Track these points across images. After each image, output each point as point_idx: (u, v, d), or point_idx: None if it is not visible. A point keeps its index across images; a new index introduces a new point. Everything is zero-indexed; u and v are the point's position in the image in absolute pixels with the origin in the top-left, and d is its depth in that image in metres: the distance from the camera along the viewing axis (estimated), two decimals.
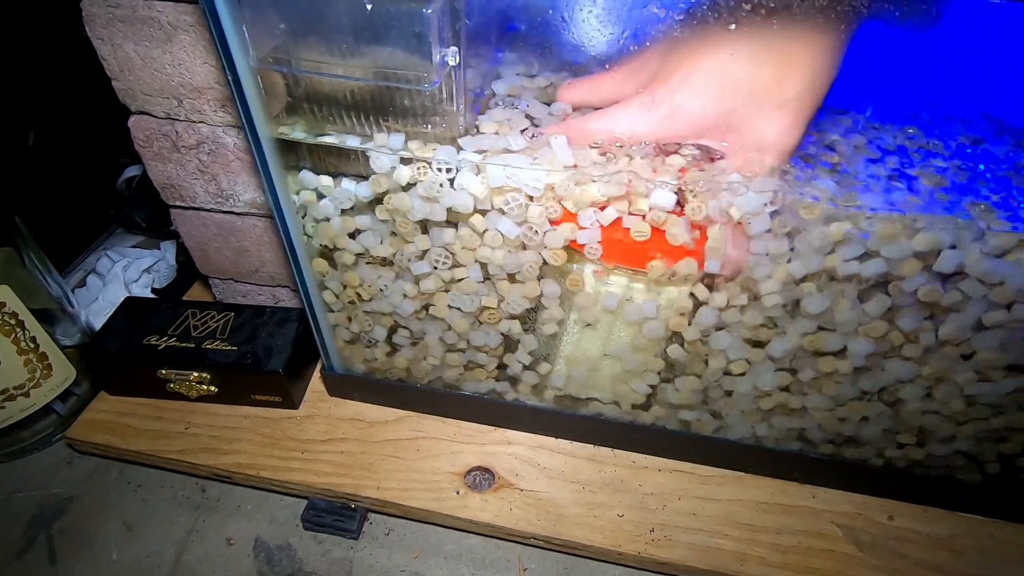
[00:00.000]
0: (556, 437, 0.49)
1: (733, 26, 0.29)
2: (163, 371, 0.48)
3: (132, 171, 0.61)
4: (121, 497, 0.49)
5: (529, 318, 0.41)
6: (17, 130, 0.60)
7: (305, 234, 0.39)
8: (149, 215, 0.62)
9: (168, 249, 0.67)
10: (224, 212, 0.46)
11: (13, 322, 0.44)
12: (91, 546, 0.46)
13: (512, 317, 0.41)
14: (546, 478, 0.47)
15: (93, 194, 0.67)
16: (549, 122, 0.36)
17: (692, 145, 0.33)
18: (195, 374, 0.48)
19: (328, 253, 0.40)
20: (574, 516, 0.44)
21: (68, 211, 0.67)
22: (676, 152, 0.33)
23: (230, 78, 0.31)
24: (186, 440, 0.48)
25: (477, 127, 0.36)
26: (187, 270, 0.67)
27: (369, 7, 0.27)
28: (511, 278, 0.39)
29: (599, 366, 0.43)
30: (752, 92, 0.30)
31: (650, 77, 0.33)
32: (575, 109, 0.37)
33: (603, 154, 0.34)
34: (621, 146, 0.34)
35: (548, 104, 0.38)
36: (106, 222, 0.71)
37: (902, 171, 0.35)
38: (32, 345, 0.46)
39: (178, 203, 0.46)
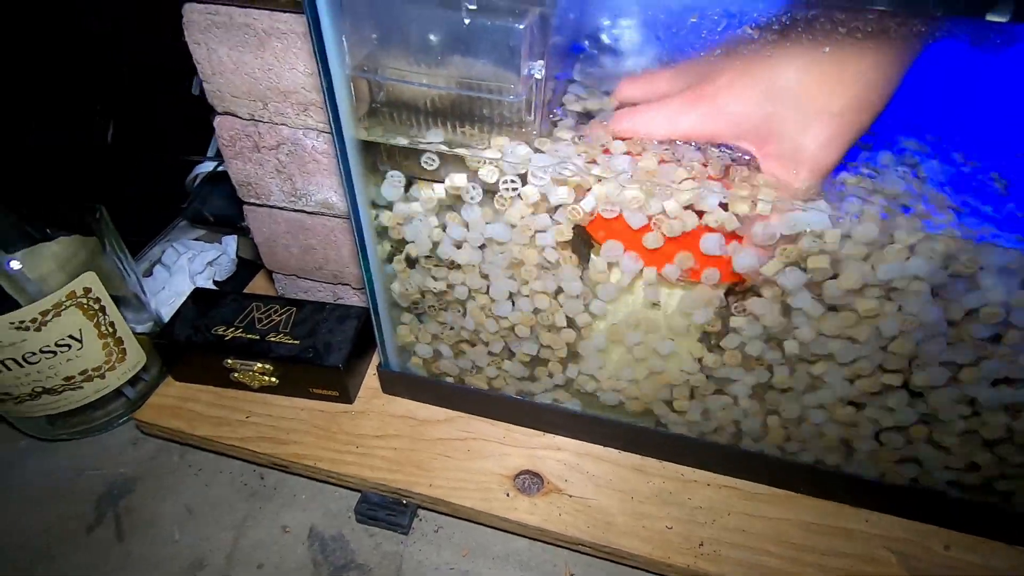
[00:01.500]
0: (603, 445, 0.50)
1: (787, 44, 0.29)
2: (229, 361, 0.50)
3: (202, 168, 0.64)
4: (183, 480, 0.51)
5: (576, 323, 0.42)
6: (99, 127, 0.63)
7: (379, 233, 0.41)
8: (217, 210, 0.65)
9: (229, 244, 0.69)
10: (295, 211, 0.48)
11: (96, 307, 0.47)
12: (155, 526, 0.48)
13: (563, 326, 0.42)
14: (594, 485, 0.47)
15: (163, 189, 0.71)
16: (600, 119, 0.37)
17: (724, 147, 0.34)
18: (259, 365, 0.50)
19: (396, 252, 0.42)
20: (622, 525, 0.45)
21: (139, 204, 0.70)
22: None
23: (324, 84, 0.33)
24: (247, 428, 0.50)
25: (549, 136, 0.37)
26: (245, 264, 0.70)
27: (467, 21, 0.29)
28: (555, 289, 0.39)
29: (642, 374, 0.43)
30: (797, 99, 0.30)
31: (700, 76, 0.33)
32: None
33: (629, 153, 0.35)
34: (665, 146, 0.34)
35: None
36: (172, 215, 0.74)
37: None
38: (111, 330, 0.49)
39: (252, 200, 0.48)
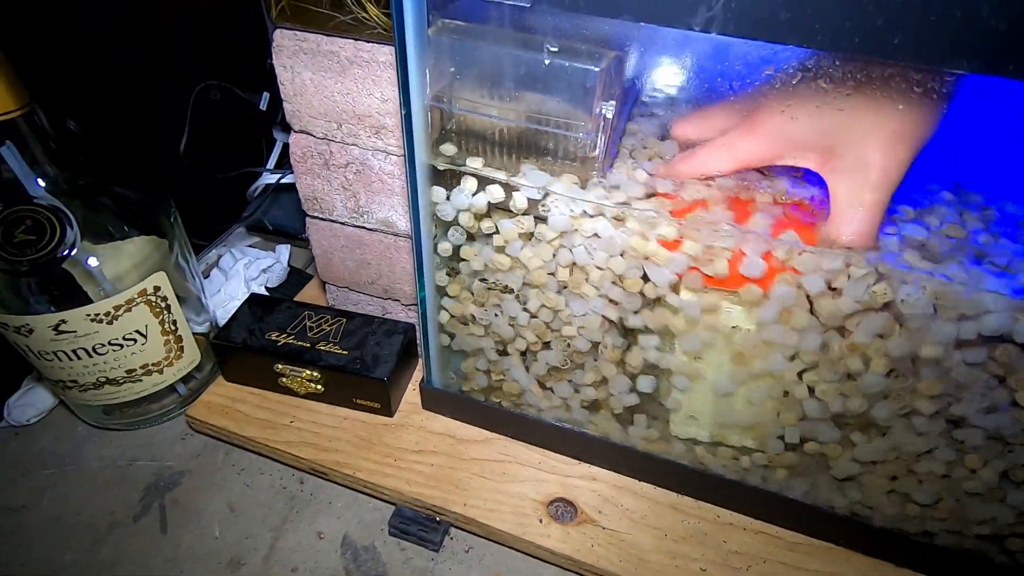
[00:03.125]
0: (640, 480, 0.49)
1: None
2: (279, 366, 0.52)
3: (264, 180, 0.68)
4: (227, 478, 0.53)
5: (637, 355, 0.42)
6: (174, 137, 0.67)
7: (437, 253, 0.42)
8: (276, 220, 0.67)
9: (283, 252, 0.72)
10: (355, 226, 0.50)
11: (163, 305, 0.49)
12: (198, 520, 0.49)
13: (619, 355, 0.42)
14: (628, 519, 0.47)
15: (223, 197, 0.74)
16: (658, 164, 0.38)
17: (789, 170, 0.34)
18: (307, 372, 0.52)
19: (452, 273, 0.43)
20: (655, 563, 0.44)
21: (200, 209, 0.74)
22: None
23: (403, 112, 0.35)
24: (291, 433, 0.52)
25: (609, 173, 0.38)
26: (296, 273, 0.72)
27: (547, 62, 0.30)
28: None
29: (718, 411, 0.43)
30: (861, 124, 0.30)
31: (754, 106, 0.34)
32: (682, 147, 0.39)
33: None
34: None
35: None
36: (230, 222, 0.77)
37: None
38: (173, 327, 0.51)
39: (316, 214, 0.50)
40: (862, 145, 0.31)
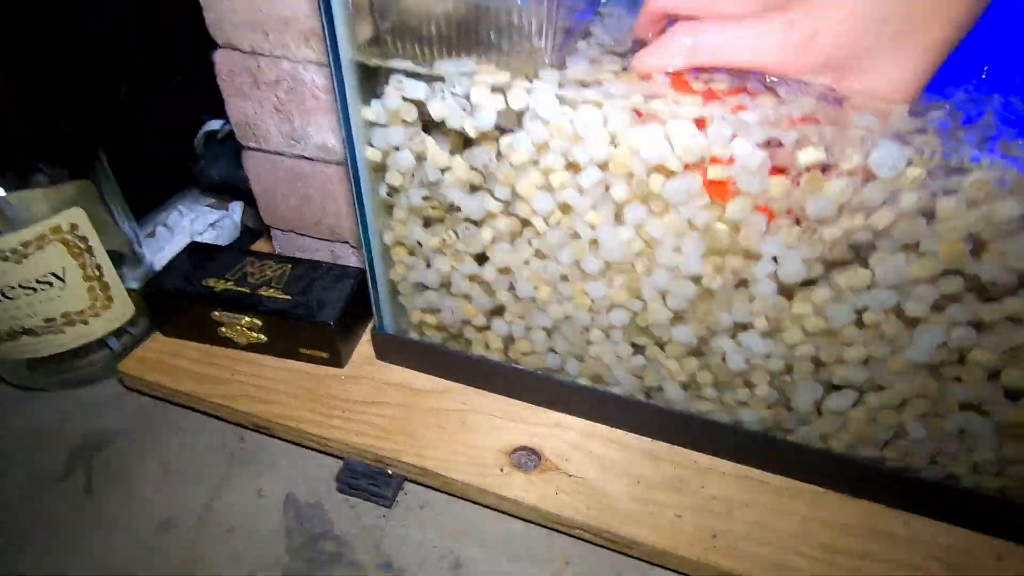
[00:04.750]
0: (611, 425, 0.45)
1: None
2: (216, 313, 0.47)
3: (212, 125, 0.63)
4: (162, 438, 0.48)
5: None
6: (111, 83, 0.62)
7: (375, 170, 0.38)
8: (223, 172, 0.63)
9: (235, 209, 0.68)
10: (294, 156, 0.46)
11: (83, 246, 0.45)
12: (126, 482, 0.45)
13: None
14: (598, 467, 0.43)
15: (174, 152, 0.70)
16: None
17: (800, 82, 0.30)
18: (246, 319, 0.47)
19: (393, 192, 0.39)
20: (627, 511, 0.40)
21: (149, 167, 0.69)
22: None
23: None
24: (231, 386, 0.48)
25: (564, 66, 0.34)
26: (251, 233, 0.68)
27: None
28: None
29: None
30: (898, 31, 0.27)
31: None
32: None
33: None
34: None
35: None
36: (183, 181, 0.73)
37: None
38: (97, 273, 0.47)
39: (251, 144, 0.46)
40: (897, 67, 0.28)
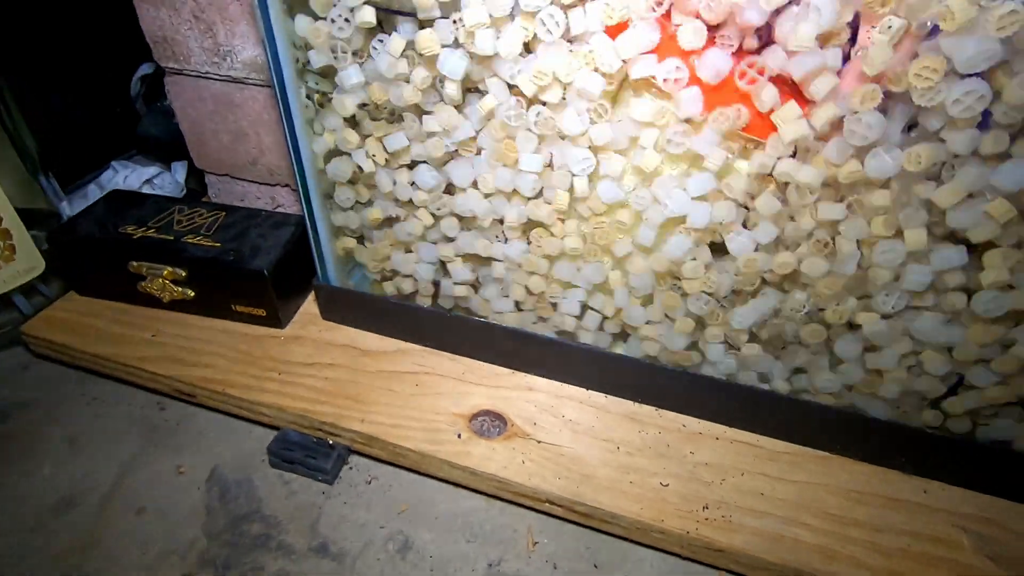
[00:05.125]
0: (586, 387, 0.40)
1: None
2: (134, 264, 0.41)
3: (146, 69, 0.57)
4: (71, 409, 0.42)
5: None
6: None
7: (299, 73, 0.32)
8: (167, 130, 0.56)
9: (178, 169, 0.61)
10: (221, 79, 0.40)
11: None
12: (28, 457, 0.39)
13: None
14: (571, 431, 0.37)
15: (113, 116, 0.63)
16: None
17: None
18: (169, 270, 0.41)
19: (323, 101, 0.33)
20: (604, 479, 0.34)
21: (89, 133, 0.63)
22: None
23: None
24: (151, 348, 0.41)
25: None
26: (196, 196, 0.62)
27: None
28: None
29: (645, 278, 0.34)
30: None
31: None
32: None
33: None
34: None
35: None
36: (126, 144, 0.66)
37: None
38: None
39: (172, 65, 0.40)
40: None
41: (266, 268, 0.40)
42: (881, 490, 0.35)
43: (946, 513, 0.34)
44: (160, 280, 0.42)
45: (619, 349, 0.38)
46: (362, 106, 0.31)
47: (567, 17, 0.27)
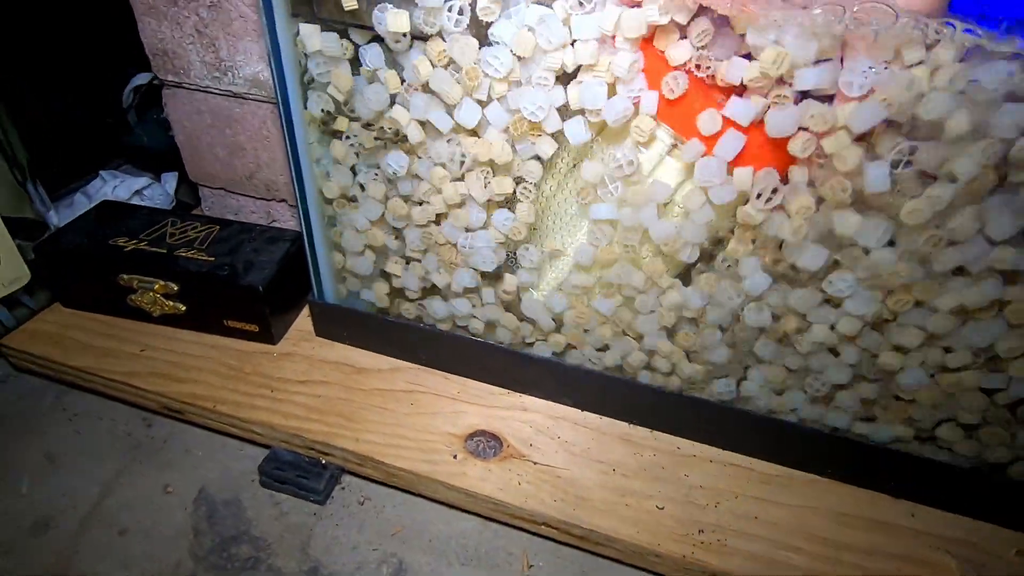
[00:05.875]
0: (581, 408, 0.40)
1: None
2: (125, 276, 0.40)
3: (140, 79, 0.56)
4: (52, 425, 0.41)
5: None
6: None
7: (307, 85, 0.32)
8: (158, 141, 0.56)
9: (168, 180, 0.61)
10: (221, 93, 0.40)
11: None
12: (4, 474, 0.37)
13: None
14: (567, 453, 0.37)
15: (104, 126, 0.62)
16: None
17: None
18: (160, 283, 0.40)
19: (329, 118, 0.33)
20: (599, 502, 0.34)
21: (78, 142, 0.62)
22: None
23: None
24: (138, 363, 0.40)
25: None
26: (185, 208, 0.61)
27: None
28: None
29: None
30: None
31: None
32: None
33: None
34: None
35: None
36: (115, 154, 0.65)
37: None
38: None
39: (171, 78, 0.40)
40: None
41: (261, 284, 0.39)
42: (870, 513, 0.35)
43: (933, 537, 0.34)
44: (151, 294, 0.41)
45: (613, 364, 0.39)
46: (367, 125, 0.31)
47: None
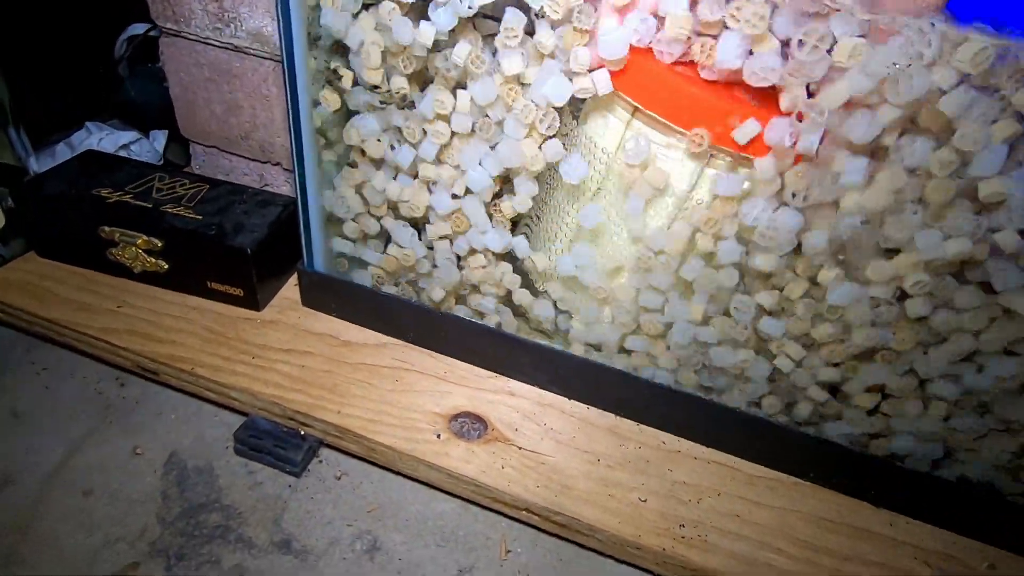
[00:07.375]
0: (570, 397, 0.39)
1: None
2: (107, 228, 0.39)
3: (135, 29, 0.54)
4: (18, 379, 0.39)
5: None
6: None
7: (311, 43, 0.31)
8: (149, 96, 0.54)
9: (158, 137, 0.58)
10: (221, 46, 0.38)
11: None
12: None
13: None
14: (552, 440, 0.36)
15: (94, 76, 0.60)
16: None
17: None
18: (143, 238, 0.39)
19: (334, 78, 0.32)
20: (582, 491, 0.34)
21: (65, 91, 0.59)
22: None
23: None
24: (115, 319, 0.39)
25: None
26: (174, 168, 0.59)
27: None
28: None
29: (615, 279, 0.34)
30: None
31: None
32: None
33: None
34: None
35: None
36: (104, 107, 0.63)
37: None
38: None
39: (170, 26, 0.38)
40: None
41: (249, 246, 0.38)
42: (851, 520, 0.35)
43: (911, 547, 0.34)
44: (133, 249, 0.39)
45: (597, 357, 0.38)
46: (372, 88, 0.30)
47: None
